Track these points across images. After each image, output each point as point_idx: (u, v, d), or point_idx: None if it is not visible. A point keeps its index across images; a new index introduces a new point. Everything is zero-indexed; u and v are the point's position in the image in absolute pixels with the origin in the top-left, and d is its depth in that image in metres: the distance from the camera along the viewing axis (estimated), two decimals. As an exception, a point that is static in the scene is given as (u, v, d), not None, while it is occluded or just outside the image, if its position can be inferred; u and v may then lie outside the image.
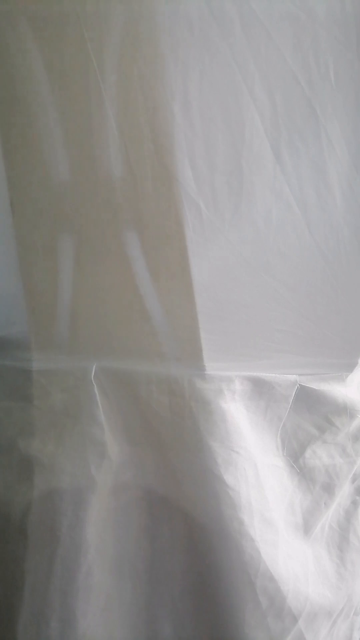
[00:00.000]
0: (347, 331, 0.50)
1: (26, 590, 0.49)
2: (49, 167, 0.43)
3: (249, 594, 0.48)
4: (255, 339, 0.49)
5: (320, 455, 0.52)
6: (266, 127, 0.41)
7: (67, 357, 0.49)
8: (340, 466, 0.53)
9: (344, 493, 0.55)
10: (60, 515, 0.48)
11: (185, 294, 0.45)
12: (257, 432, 0.50)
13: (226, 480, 0.48)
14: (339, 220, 0.45)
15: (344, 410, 0.52)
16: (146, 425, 0.50)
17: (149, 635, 0.51)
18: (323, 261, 0.46)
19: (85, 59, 0.40)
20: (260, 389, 0.50)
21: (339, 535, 0.55)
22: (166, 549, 0.51)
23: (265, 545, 0.48)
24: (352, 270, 0.47)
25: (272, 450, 0.51)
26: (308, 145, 0.42)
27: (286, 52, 0.40)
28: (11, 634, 0.49)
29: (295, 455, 0.52)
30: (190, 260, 0.44)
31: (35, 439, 0.50)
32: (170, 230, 0.44)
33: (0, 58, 0.40)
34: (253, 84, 0.40)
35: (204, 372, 0.48)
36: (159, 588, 0.51)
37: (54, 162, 0.43)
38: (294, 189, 0.43)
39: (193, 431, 0.48)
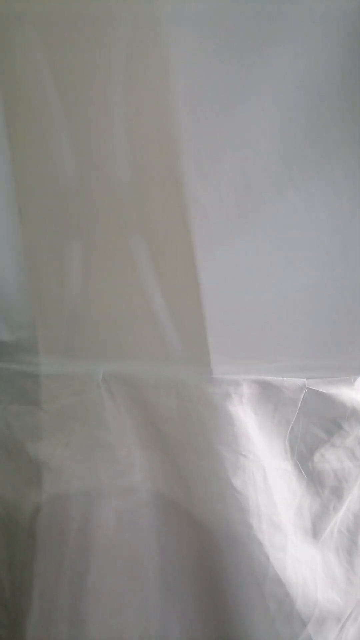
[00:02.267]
0: (355, 334, 0.49)
1: (35, 594, 0.49)
2: (56, 173, 0.43)
3: (257, 599, 0.48)
4: (262, 342, 0.49)
5: (329, 459, 0.52)
6: (273, 131, 0.41)
7: (75, 361, 0.50)
8: (349, 470, 0.53)
9: (353, 497, 0.55)
10: (69, 518, 0.49)
11: (192, 298, 0.45)
12: (265, 436, 0.50)
13: (234, 484, 0.47)
14: (346, 223, 0.45)
15: (352, 413, 0.51)
16: (154, 429, 0.50)
17: (157, 639, 0.51)
18: (330, 264, 0.46)
19: (92, 64, 0.40)
20: (268, 393, 0.49)
21: (348, 539, 0.55)
22: (174, 552, 0.51)
23: (273, 550, 0.48)
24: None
25: (280, 454, 0.51)
26: (315, 149, 0.42)
27: (293, 56, 0.39)
28: (20, 637, 0.49)
29: (303, 459, 0.52)
30: (197, 265, 0.44)
31: (43, 442, 0.50)
32: (177, 235, 0.44)
33: (7, 63, 0.41)
34: (259, 89, 0.40)
35: (211, 375, 0.48)
36: (167, 592, 0.51)
37: (61, 167, 0.43)
38: (301, 193, 0.43)
39: (201, 435, 0.48)
